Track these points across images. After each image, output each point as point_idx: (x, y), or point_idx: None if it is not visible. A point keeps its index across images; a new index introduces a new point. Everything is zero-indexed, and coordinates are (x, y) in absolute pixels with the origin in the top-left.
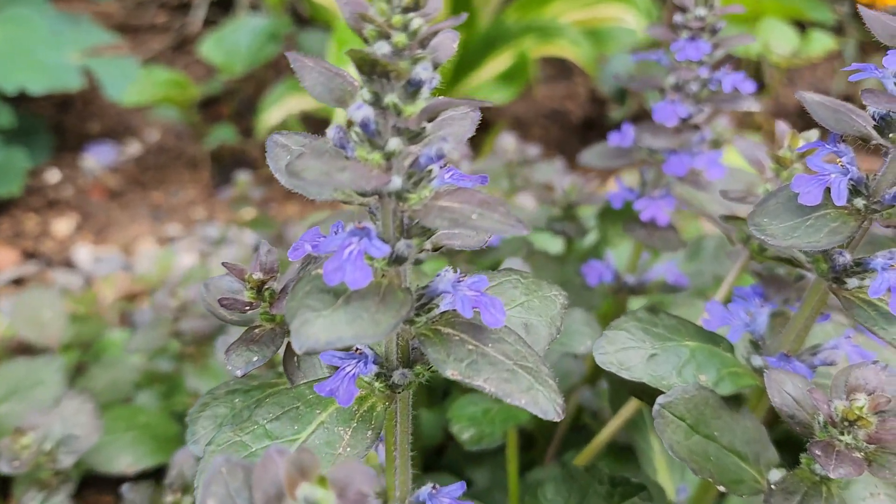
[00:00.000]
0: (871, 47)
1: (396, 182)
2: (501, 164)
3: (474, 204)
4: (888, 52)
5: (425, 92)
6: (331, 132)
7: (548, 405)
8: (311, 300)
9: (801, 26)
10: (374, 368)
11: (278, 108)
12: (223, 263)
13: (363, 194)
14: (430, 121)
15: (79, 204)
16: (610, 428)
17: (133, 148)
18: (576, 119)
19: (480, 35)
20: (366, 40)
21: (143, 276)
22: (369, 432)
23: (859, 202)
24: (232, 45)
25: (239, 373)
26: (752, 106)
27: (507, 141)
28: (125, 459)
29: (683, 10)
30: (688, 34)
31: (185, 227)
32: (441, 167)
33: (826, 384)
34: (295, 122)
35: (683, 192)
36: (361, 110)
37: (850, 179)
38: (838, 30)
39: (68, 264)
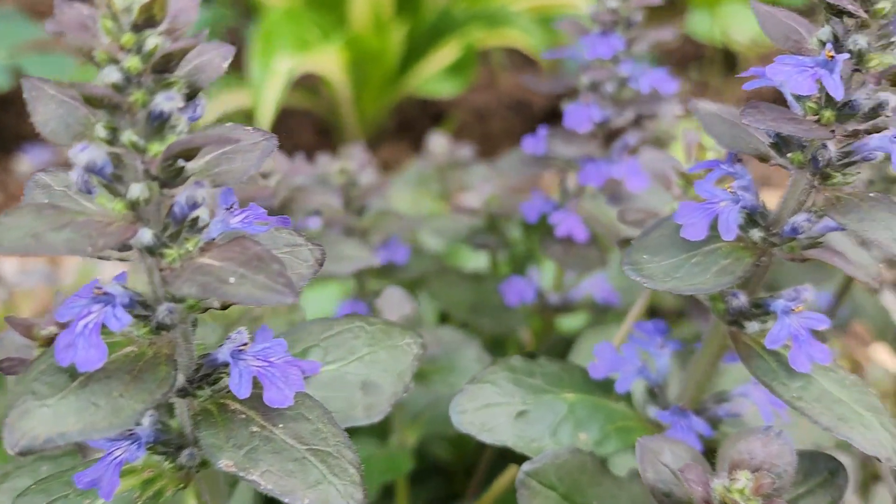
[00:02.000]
0: None
1: (145, 236)
2: (432, 167)
3: (240, 262)
4: (775, 59)
5: (179, 124)
6: (74, 174)
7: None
8: (40, 383)
9: None
10: (143, 455)
11: (213, 105)
12: (6, 318)
13: (121, 248)
14: (187, 158)
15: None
16: (510, 472)
17: None
18: (539, 110)
19: (427, 24)
20: (98, 65)
21: (62, 290)
22: None
23: (756, 234)
24: None
25: (13, 451)
26: (675, 109)
27: (436, 142)
28: None
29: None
30: (600, 28)
31: None
32: (228, 208)
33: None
34: (241, 119)
35: (592, 207)
36: (86, 152)
37: (743, 207)
38: (809, 13)
39: None
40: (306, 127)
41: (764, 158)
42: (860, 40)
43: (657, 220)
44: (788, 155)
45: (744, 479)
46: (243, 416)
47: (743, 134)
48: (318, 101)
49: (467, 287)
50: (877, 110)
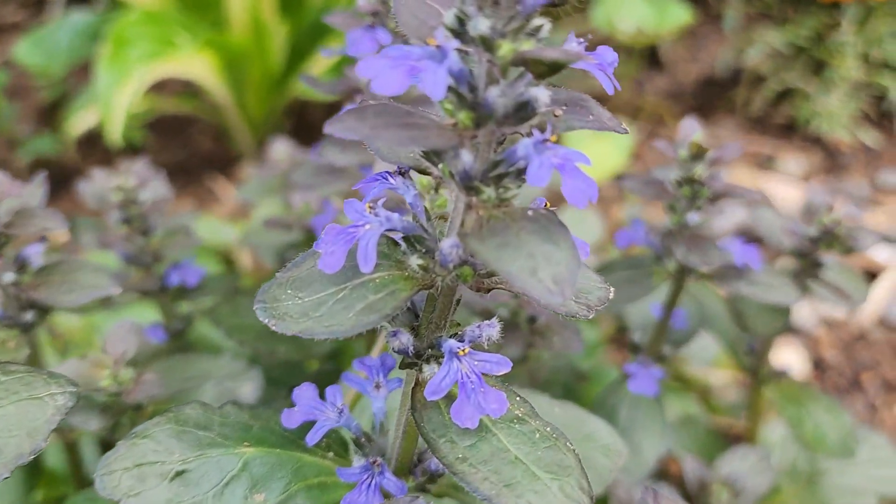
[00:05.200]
0: (757, 17)
1: None
2: (276, 175)
3: None
4: (381, 51)
5: None
6: None
7: None
8: None
9: None
10: None
11: (87, 114)
12: None
13: None
14: None
15: None
16: None
17: None
18: None
19: (309, 22)
20: None
21: None
22: None
23: (415, 262)
24: (51, 46)
25: None
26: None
27: (278, 148)
28: None
29: None
30: (369, 21)
31: None
32: None
33: None
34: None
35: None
36: None
37: (391, 230)
38: None
39: None
40: (206, 135)
41: (424, 171)
42: (481, 24)
43: (311, 250)
44: (440, 166)
45: None
46: None
47: (405, 142)
48: (207, 108)
49: None
50: (524, 109)
